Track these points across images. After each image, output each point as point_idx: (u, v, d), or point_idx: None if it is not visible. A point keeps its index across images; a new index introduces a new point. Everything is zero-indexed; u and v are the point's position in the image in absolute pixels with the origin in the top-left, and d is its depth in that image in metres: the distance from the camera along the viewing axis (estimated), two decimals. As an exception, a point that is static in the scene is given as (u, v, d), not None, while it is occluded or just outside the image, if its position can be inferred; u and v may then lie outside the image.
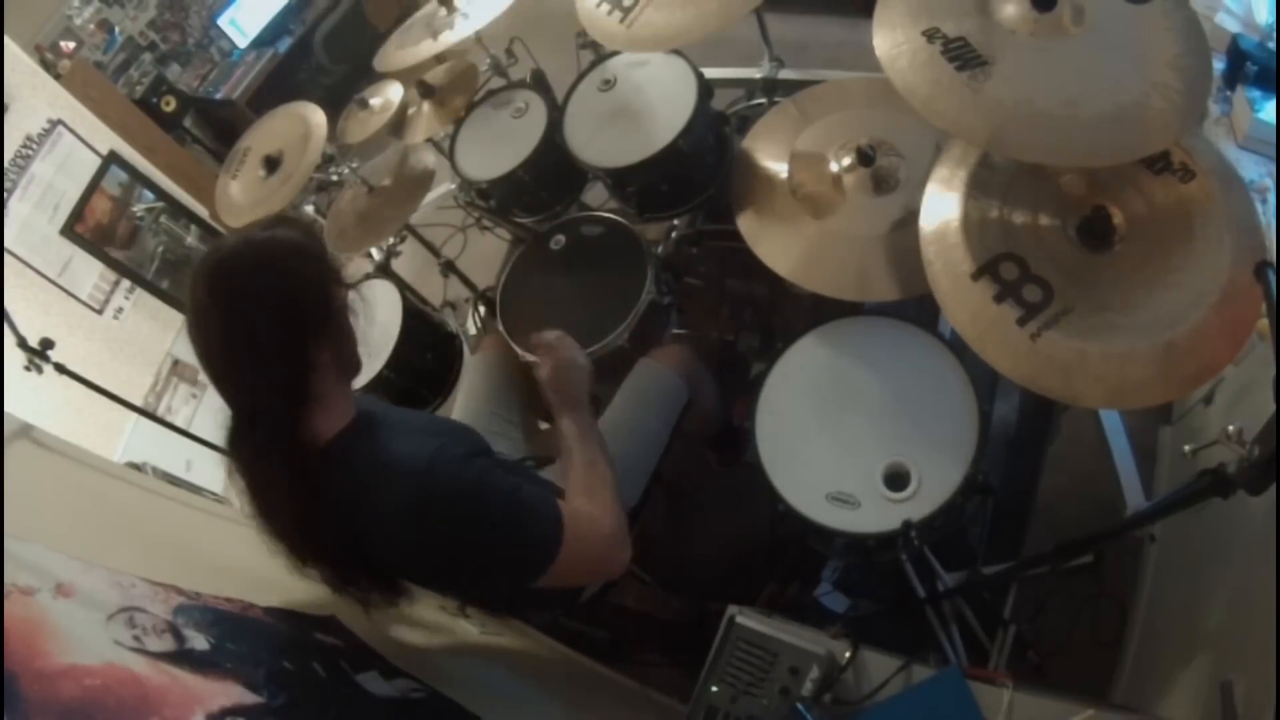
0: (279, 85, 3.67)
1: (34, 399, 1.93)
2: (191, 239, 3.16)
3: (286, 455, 0.95)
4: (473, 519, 0.97)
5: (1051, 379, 1.08)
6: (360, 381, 1.85)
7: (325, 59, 3.81)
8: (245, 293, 0.91)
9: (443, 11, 1.93)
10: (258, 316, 0.91)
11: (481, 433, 1.60)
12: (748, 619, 1.06)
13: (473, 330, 2.26)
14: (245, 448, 0.96)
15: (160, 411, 2.74)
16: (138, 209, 2.98)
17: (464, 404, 1.68)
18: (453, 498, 0.96)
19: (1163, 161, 1.17)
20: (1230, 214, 1.13)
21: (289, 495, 0.95)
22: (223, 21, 3.77)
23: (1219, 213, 1.14)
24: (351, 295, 1.03)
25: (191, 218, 3.16)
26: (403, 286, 2.08)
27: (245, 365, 0.93)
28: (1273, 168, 1.83)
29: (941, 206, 1.21)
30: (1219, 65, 2.01)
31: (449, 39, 1.82)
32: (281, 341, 0.92)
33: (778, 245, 1.46)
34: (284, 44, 3.84)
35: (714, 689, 1.03)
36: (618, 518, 1.10)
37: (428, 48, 1.86)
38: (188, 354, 1.13)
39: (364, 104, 2.19)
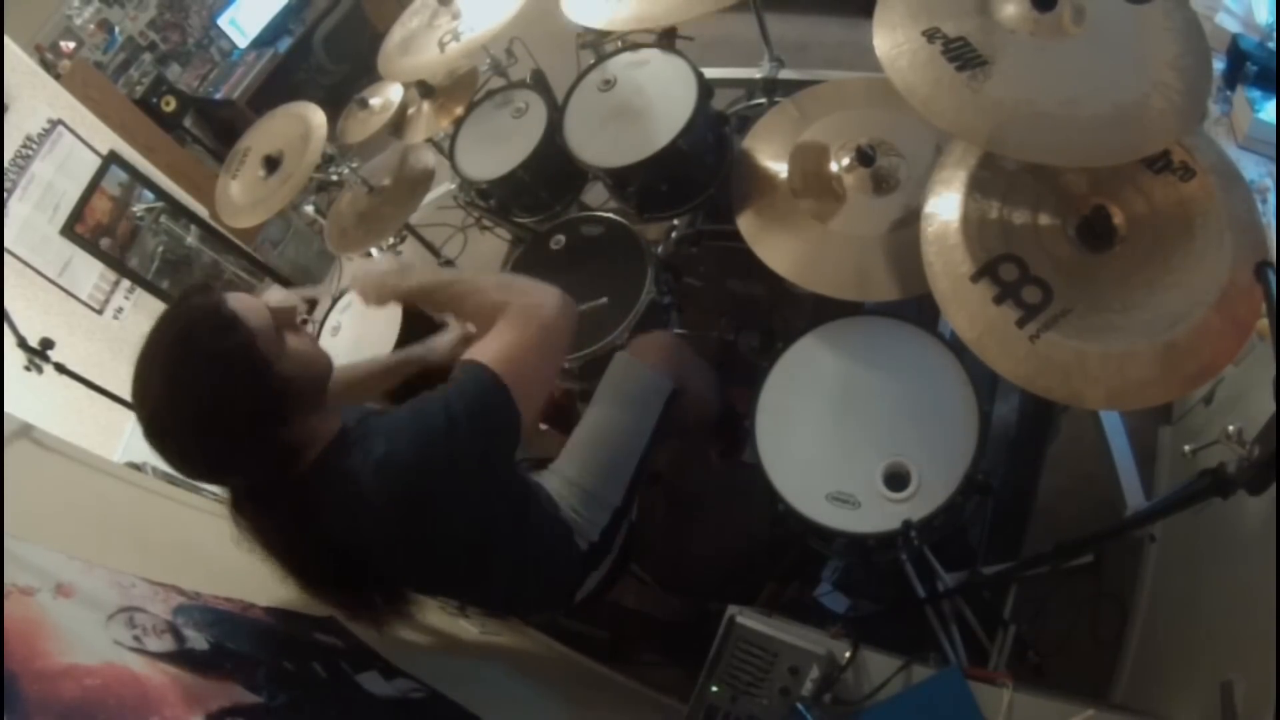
0: (279, 85, 3.67)
1: (34, 399, 1.93)
2: (191, 239, 3.16)
3: (274, 500, 0.96)
4: (437, 457, 0.97)
5: (1051, 380, 1.07)
6: (360, 381, 1.87)
7: (325, 59, 3.80)
8: (187, 432, 0.89)
9: (443, 13, 1.93)
10: (208, 445, 0.90)
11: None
12: (748, 619, 1.06)
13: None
14: (245, 511, 0.98)
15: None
16: (138, 209, 2.98)
17: None
18: (414, 461, 0.95)
19: (1163, 160, 1.17)
20: (1230, 213, 1.13)
21: (281, 529, 0.97)
22: (223, 21, 3.77)
23: (1219, 212, 1.13)
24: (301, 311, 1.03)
25: (191, 218, 3.16)
26: (403, 286, 2.07)
27: (219, 474, 0.96)
28: (1273, 168, 1.82)
29: (942, 208, 1.21)
30: (1219, 65, 2.01)
31: (455, 49, 1.81)
32: (241, 448, 0.91)
33: (778, 245, 1.46)
34: (284, 44, 3.84)
35: (714, 689, 1.03)
36: (508, 294, 1.10)
37: (434, 58, 1.85)
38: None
39: (364, 104, 2.19)
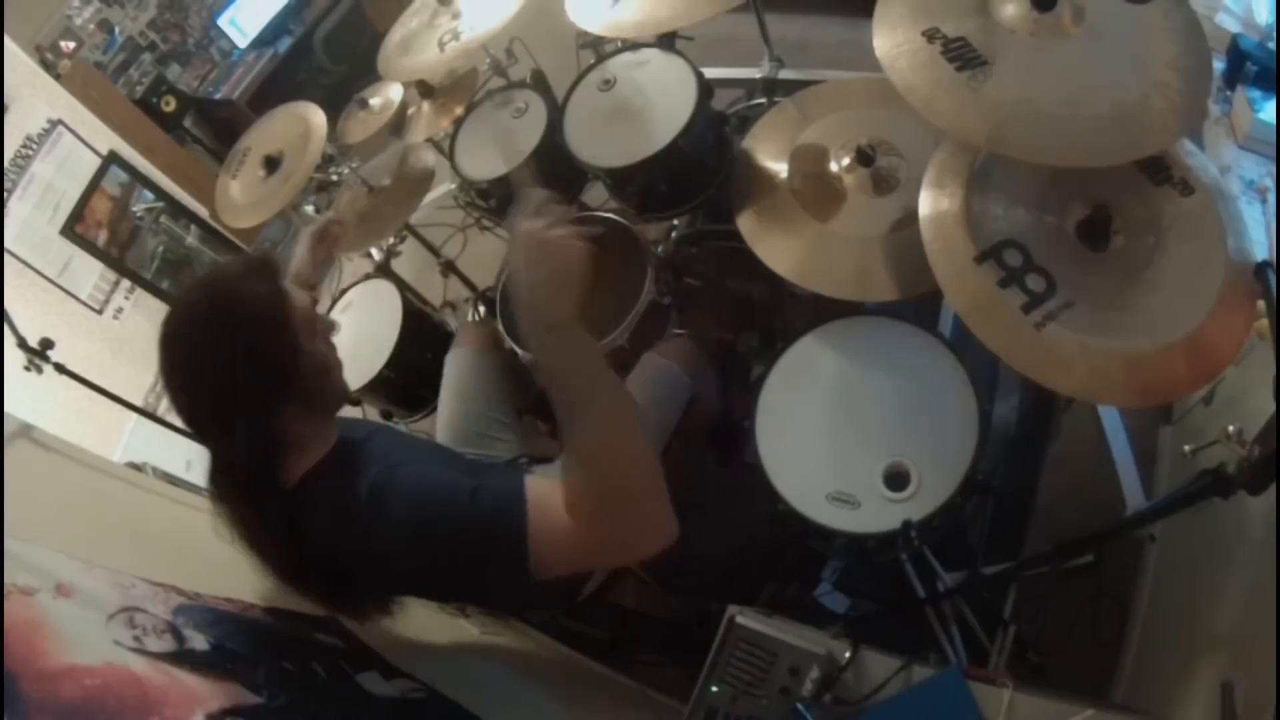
0: (279, 85, 3.67)
1: (34, 399, 1.93)
2: (191, 239, 3.16)
3: (261, 500, 0.95)
4: (424, 539, 0.90)
5: (1052, 370, 1.07)
6: (360, 381, 1.88)
7: (325, 59, 3.80)
8: (197, 369, 0.91)
9: (443, 13, 1.93)
10: (214, 388, 0.91)
11: (474, 435, 1.60)
12: (748, 619, 1.06)
13: (465, 325, 2.26)
14: (223, 490, 0.97)
15: (160, 411, 2.73)
16: (138, 209, 2.98)
17: (454, 406, 1.67)
18: (400, 524, 0.90)
19: (1163, 174, 1.17)
20: (1228, 221, 1.14)
21: (265, 533, 0.96)
22: (223, 21, 3.77)
23: (1218, 215, 1.14)
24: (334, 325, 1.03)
25: (191, 218, 3.17)
26: (403, 286, 2.08)
27: (213, 429, 0.95)
28: (1273, 168, 1.83)
29: (941, 192, 1.20)
30: (1219, 65, 2.01)
31: (455, 48, 1.81)
32: (240, 409, 0.91)
33: (778, 245, 1.46)
34: (284, 44, 3.84)
35: (714, 689, 1.03)
36: (587, 506, 0.84)
37: (434, 58, 1.85)
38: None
39: (364, 104, 2.19)
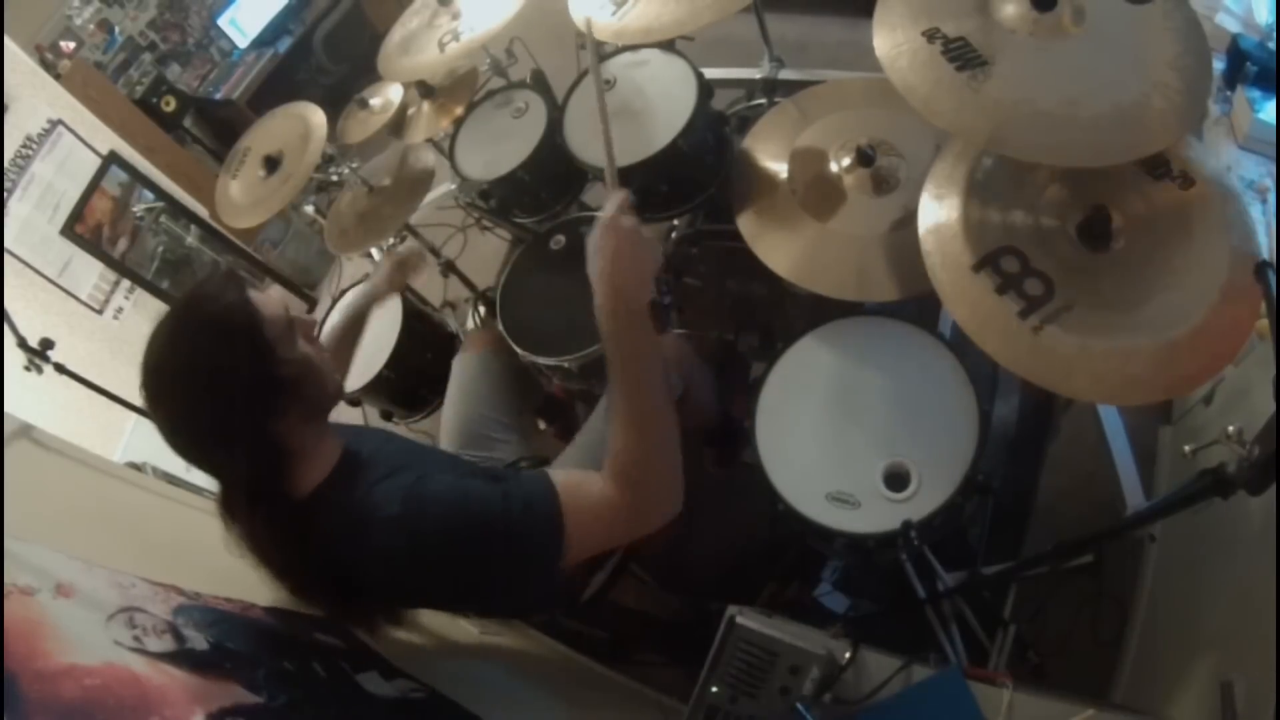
0: (279, 85, 3.67)
1: (34, 399, 1.93)
2: (191, 239, 3.16)
3: (273, 514, 0.94)
4: (463, 549, 0.93)
5: (1052, 373, 1.07)
6: (360, 382, 1.88)
7: (325, 59, 3.81)
8: (180, 396, 0.90)
9: (443, 13, 1.93)
10: (200, 415, 0.90)
11: (478, 437, 1.60)
12: (748, 619, 1.06)
13: (472, 330, 2.26)
14: (234, 510, 0.97)
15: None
16: (138, 209, 2.98)
17: (458, 407, 1.67)
18: (438, 535, 0.93)
19: (1163, 168, 1.17)
20: (1229, 216, 1.13)
21: (280, 548, 0.96)
22: (223, 21, 3.77)
23: (1219, 213, 1.14)
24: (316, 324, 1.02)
25: (191, 218, 3.17)
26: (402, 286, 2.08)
27: (207, 452, 0.93)
28: (1273, 168, 1.83)
29: (940, 204, 1.21)
30: (1219, 65, 2.01)
31: (455, 49, 1.81)
32: (233, 429, 0.90)
33: (778, 245, 1.46)
34: (284, 44, 3.85)
35: (714, 689, 1.03)
36: (630, 471, 0.94)
37: (434, 58, 1.85)
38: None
39: (364, 104, 2.19)
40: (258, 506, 0.95)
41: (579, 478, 0.98)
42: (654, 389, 0.98)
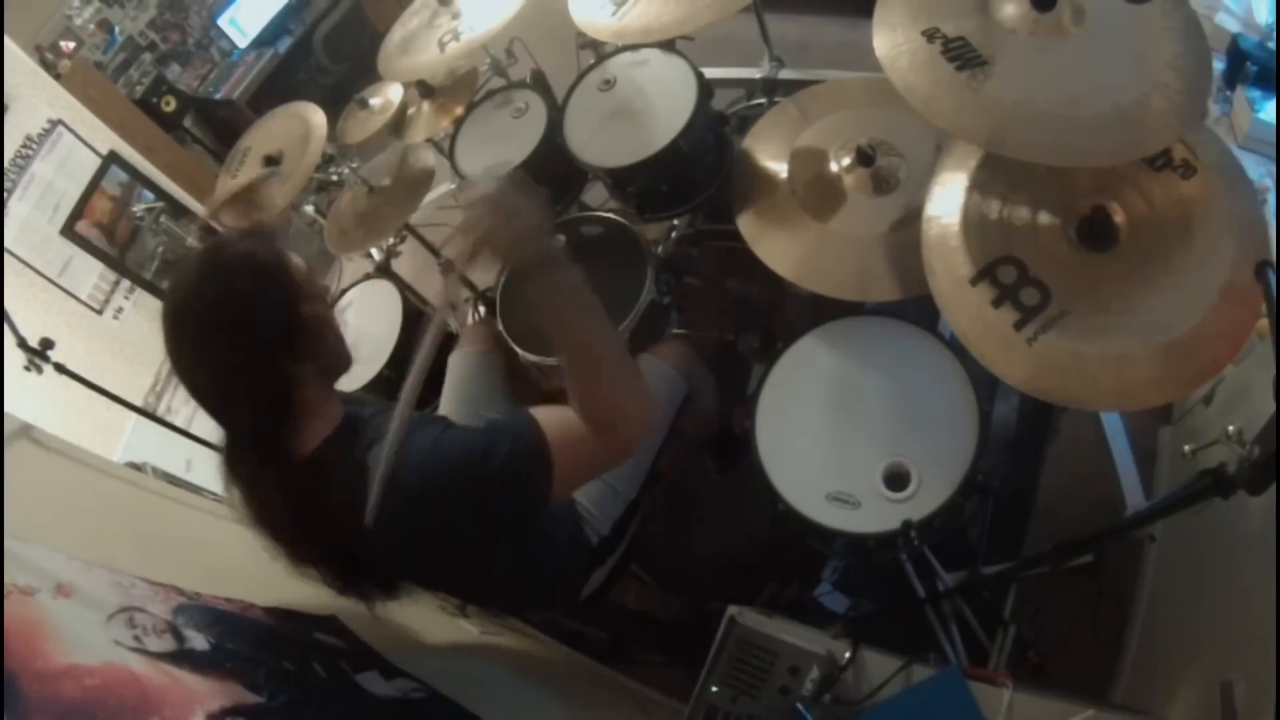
0: (279, 85, 3.67)
1: (34, 399, 1.93)
2: (191, 239, 3.15)
3: (279, 470, 0.96)
4: (458, 492, 0.96)
5: (1049, 381, 1.08)
6: (360, 381, 1.87)
7: (325, 59, 3.81)
8: (206, 328, 0.92)
9: (443, 13, 1.93)
10: (223, 349, 0.91)
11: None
12: (748, 619, 1.06)
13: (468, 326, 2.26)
14: (241, 466, 0.98)
15: (160, 411, 2.74)
16: (138, 209, 2.98)
17: (455, 405, 1.66)
18: (433, 479, 0.95)
19: (1163, 158, 1.17)
20: (1230, 212, 1.13)
21: (284, 507, 0.96)
22: (223, 21, 3.77)
23: (1219, 212, 1.13)
24: (330, 291, 1.03)
25: (192, 218, 3.16)
26: (403, 286, 2.08)
27: (225, 395, 0.95)
28: (1273, 168, 1.82)
29: (942, 210, 1.21)
30: (1219, 65, 2.01)
31: (455, 48, 1.81)
32: (254, 367, 0.92)
33: (778, 245, 1.46)
34: (284, 44, 3.85)
35: (714, 689, 1.03)
36: (596, 417, 0.97)
37: (434, 58, 1.85)
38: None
39: (364, 104, 2.19)
40: (261, 460, 0.96)
41: (560, 413, 1.01)
42: (604, 329, 1.01)
